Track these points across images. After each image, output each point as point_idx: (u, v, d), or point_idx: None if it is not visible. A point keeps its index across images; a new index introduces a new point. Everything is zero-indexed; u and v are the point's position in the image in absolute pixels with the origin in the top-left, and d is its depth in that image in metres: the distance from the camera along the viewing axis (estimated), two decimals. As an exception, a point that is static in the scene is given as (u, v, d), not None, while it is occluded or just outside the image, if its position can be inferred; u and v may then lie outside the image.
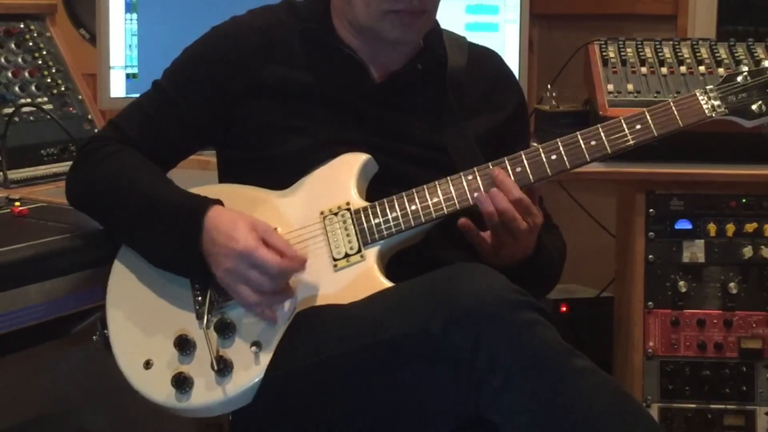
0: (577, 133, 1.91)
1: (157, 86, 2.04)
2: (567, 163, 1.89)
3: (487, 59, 2.15)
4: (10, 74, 2.53)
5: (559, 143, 1.90)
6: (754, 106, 1.92)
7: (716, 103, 1.91)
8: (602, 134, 1.90)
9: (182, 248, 1.84)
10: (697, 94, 1.92)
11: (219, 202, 1.86)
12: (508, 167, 1.89)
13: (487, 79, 2.11)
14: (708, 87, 1.93)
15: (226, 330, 1.81)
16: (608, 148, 1.89)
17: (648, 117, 1.90)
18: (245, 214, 1.83)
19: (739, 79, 1.93)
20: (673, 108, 1.90)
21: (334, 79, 2.00)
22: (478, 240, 1.91)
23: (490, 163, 1.90)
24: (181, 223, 1.84)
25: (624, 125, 1.89)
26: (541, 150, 1.90)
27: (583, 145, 1.89)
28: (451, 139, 2.00)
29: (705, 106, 1.91)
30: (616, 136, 1.89)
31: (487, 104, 2.08)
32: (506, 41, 3.04)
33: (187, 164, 2.11)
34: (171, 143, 2.03)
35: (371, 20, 1.94)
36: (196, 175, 2.15)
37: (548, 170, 1.89)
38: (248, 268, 1.77)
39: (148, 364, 1.84)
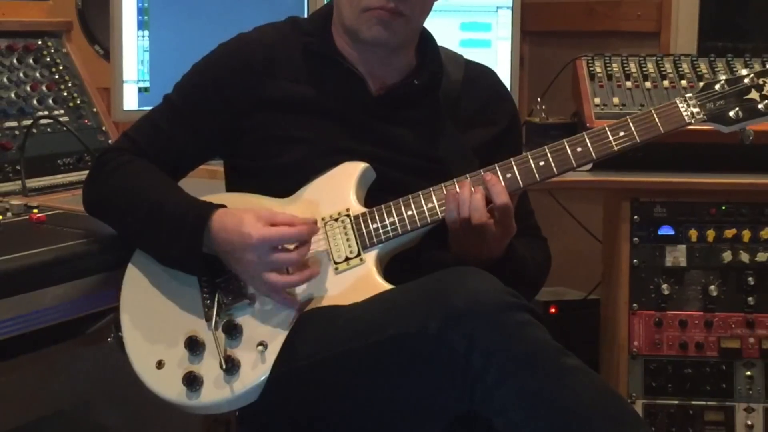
0: (564, 140, 1.91)
1: (168, 100, 2.05)
2: (554, 169, 1.89)
3: (482, 76, 2.15)
4: (28, 88, 2.54)
5: (547, 150, 1.90)
6: (731, 113, 1.91)
7: (695, 110, 1.90)
8: (588, 141, 1.89)
9: (189, 251, 1.85)
10: (677, 101, 1.91)
11: (222, 206, 1.86)
12: (499, 173, 1.89)
13: (482, 95, 2.11)
14: (687, 95, 1.93)
15: (233, 331, 1.82)
16: (593, 153, 1.89)
17: (631, 124, 1.89)
18: (246, 209, 1.83)
19: (717, 87, 1.92)
20: (655, 115, 1.90)
21: (334, 92, 2.00)
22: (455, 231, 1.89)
23: (482, 170, 1.90)
24: (188, 227, 1.84)
25: (608, 132, 1.89)
26: (529, 157, 1.90)
27: (569, 152, 1.89)
28: (446, 151, 2.00)
29: (684, 113, 1.90)
30: (601, 142, 1.89)
31: (481, 119, 2.08)
32: (498, 57, 3.05)
33: (196, 174, 2.11)
34: (181, 153, 2.03)
35: (352, 19, 1.95)
36: (204, 184, 2.15)
37: (537, 176, 1.89)
38: (270, 252, 1.77)
39: (160, 364, 1.84)
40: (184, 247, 1.85)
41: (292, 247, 1.80)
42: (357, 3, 1.93)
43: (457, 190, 1.87)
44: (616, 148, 1.89)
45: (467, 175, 1.89)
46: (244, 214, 1.81)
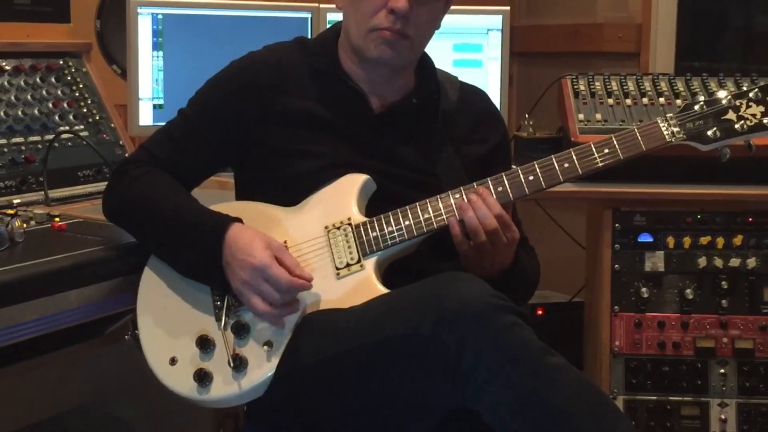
0: (552, 156, 1.91)
1: (182, 114, 2.05)
2: (543, 183, 1.89)
3: (475, 97, 2.15)
4: (50, 105, 2.54)
5: (536, 165, 1.90)
6: (709, 132, 1.91)
7: (676, 129, 1.90)
8: (574, 157, 1.90)
9: (205, 261, 1.84)
10: (659, 121, 1.91)
11: (239, 220, 1.87)
12: (491, 186, 1.89)
13: (475, 115, 2.11)
14: (668, 115, 1.92)
15: (241, 331, 1.82)
16: (579, 169, 1.89)
17: (615, 142, 1.89)
18: (262, 233, 1.83)
19: (696, 108, 1.92)
20: (637, 134, 1.90)
21: (338, 109, 2.00)
22: (461, 244, 1.89)
23: (474, 183, 1.90)
24: (205, 238, 1.84)
25: (593, 149, 1.90)
26: (519, 171, 1.90)
27: (557, 167, 1.89)
28: (441, 166, 2.00)
29: (665, 132, 1.90)
30: (587, 158, 1.89)
31: (473, 136, 2.08)
32: (489, 76, 3.05)
33: (207, 184, 2.11)
34: (194, 164, 2.03)
35: (359, 38, 1.95)
36: (215, 194, 2.15)
37: (526, 189, 1.89)
38: (261, 281, 1.77)
39: (173, 361, 1.84)
40: (200, 256, 1.85)
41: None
42: (365, 23, 1.93)
43: (452, 201, 1.88)
44: (600, 164, 1.89)
45: (461, 188, 1.90)
46: (258, 237, 1.81)
